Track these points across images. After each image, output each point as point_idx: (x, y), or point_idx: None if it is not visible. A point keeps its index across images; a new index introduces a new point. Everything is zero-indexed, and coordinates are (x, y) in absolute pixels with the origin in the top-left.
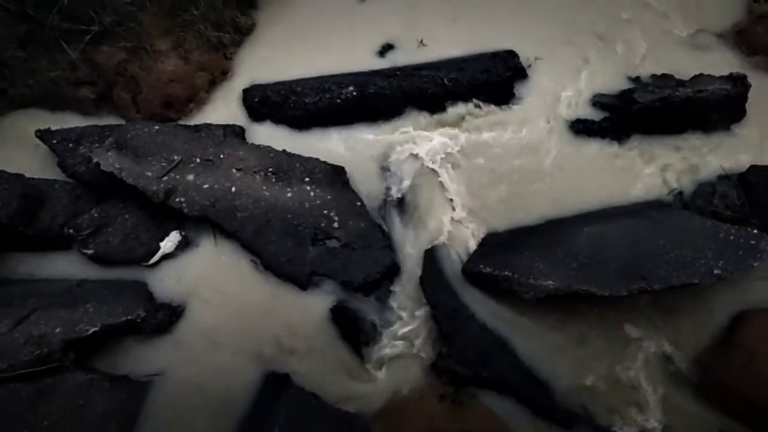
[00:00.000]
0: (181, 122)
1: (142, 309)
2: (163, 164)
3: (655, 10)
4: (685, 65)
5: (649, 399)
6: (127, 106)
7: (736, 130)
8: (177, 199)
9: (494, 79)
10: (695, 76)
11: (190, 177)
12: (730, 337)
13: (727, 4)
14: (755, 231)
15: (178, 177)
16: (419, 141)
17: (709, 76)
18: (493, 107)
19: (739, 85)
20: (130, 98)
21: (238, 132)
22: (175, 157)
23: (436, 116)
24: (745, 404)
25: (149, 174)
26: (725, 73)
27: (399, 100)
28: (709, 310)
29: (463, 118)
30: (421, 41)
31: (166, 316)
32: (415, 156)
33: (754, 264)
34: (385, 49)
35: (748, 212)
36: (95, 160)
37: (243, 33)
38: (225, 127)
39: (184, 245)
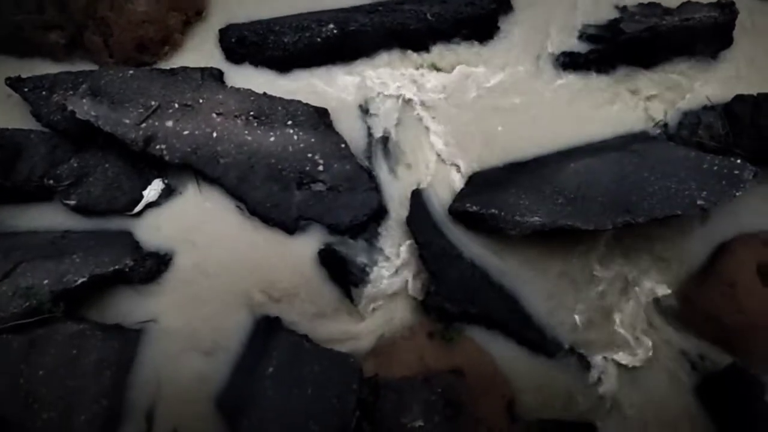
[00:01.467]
0: (157, 66)
1: (129, 258)
2: (141, 111)
3: None
4: None
5: (632, 329)
6: (100, 51)
7: (723, 58)
8: (157, 147)
9: (478, 12)
10: (682, 4)
11: (169, 123)
12: (711, 265)
13: None
14: (738, 161)
15: (156, 123)
16: (402, 80)
17: (696, 2)
18: (477, 43)
19: (726, 12)
20: (102, 42)
21: (216, 75)
22: (153, 103)
23: (420, 53)
24: (726, 331)
25: (127, 121)
26: None
27: (381, 38)
28: (692, 241)
29: (446, 55)
30: None
31: (154, 265)
32: (399, 96)
33: (737, 193)
34: None
35: (732, 142)
36: (70, 108)
37: None
38: (202, 69)
39: (167, 193)
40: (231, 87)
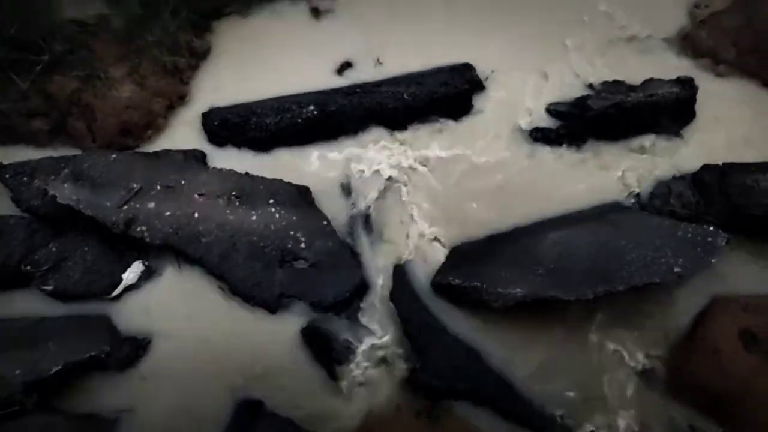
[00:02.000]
0: (140, 149)
1: (106, 344)
2: (123, 193)
3: (605, 18)
4: (635, 71)
5: (620, 399)
6: (83, 136)
7: (687, 131)
8: (138, 228)
9: (453, 92)
10: (645, 81)
11: (151, 205)
12: (694, 332)
13: (671, 11)
14: (711, 228)
15: (138, 206)
16: (382, 157)
17: (658, 80)
18: (452, 120)
19: (687, 88)
20: (86, 127)
21: (198, 157)
22: (135, 186)
23: (398, 132)
24: (714, 399)
25: (108, 204)
26: (674, 76)
27: (360, 117)
28: (673, 308)
29: (424, 133)
30: (378, 59)
31: (132, 350)
32: (379, 172)
33: (712, 260)
34: (344, 67)
35: (703, 210)
36: (51, 192)
37: (199, 57)
38: (185, 152)
39: (147, 275)
40: (213, 168)
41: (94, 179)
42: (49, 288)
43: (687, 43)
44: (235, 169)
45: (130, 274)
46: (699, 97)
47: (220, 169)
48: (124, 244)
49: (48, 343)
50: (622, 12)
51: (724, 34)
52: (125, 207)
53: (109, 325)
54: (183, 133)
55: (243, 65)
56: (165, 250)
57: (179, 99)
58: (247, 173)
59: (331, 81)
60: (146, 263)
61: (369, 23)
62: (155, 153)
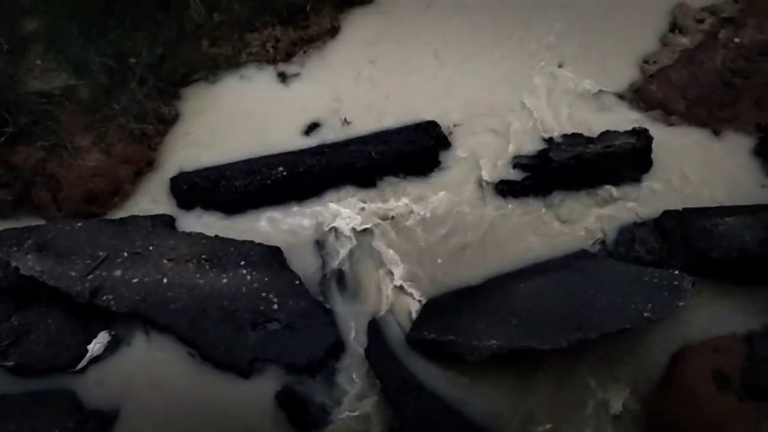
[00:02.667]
0: (107, 217)
1: (70, 420)
2: (88, 262)
3: (561, 76)
4: (592, 124)
5: None
6: (47, 206)
7: (646, 179)
8: (104, 297)
9: (419, 149)
10: (603, 133)
11: (118, 272)
12: (668, 376)
13: (622, 67)
14: (676, 272)
15: (104, 274)
16: (352, 215)
17: (614, 131)
18: (420, 176)
19: (642, 138)
20: (50, 197)
21: (167, 221)
22: (101, 254)
23: (367, 189)
24: None
25: (73, 274)
26: (629, 128)
27: (329, 177)
28: (647, 352)
29: (393, 189)
30: (345, 118)
31: (98, 425)
32: (350, 229)
33: (680, 304)
34: (312, 128)
35: (667, 255)
36: (14, 264)
37: (167, 123)
38: (153, 217)
39: (114, 345)
40: (182, 232)
41: (59, 249)
42: (10, 364)
43: (639, 97)
44: (205, 233)
45: (96, 345)
46: (654, 146)
47: (189, 233)
48: (90, 314)
49: (8, 424)
50: (575, 70)
51: (673, 88)
52: (91, 276)
53: (74, 400)
54: (151, 198)
55: (211, 130)
56: (132, 318)
57: (147, 165)
58: (217, 236)
59: (299, 142)
60: (113, 333)
61: (335, 85)
62: (122, 220)
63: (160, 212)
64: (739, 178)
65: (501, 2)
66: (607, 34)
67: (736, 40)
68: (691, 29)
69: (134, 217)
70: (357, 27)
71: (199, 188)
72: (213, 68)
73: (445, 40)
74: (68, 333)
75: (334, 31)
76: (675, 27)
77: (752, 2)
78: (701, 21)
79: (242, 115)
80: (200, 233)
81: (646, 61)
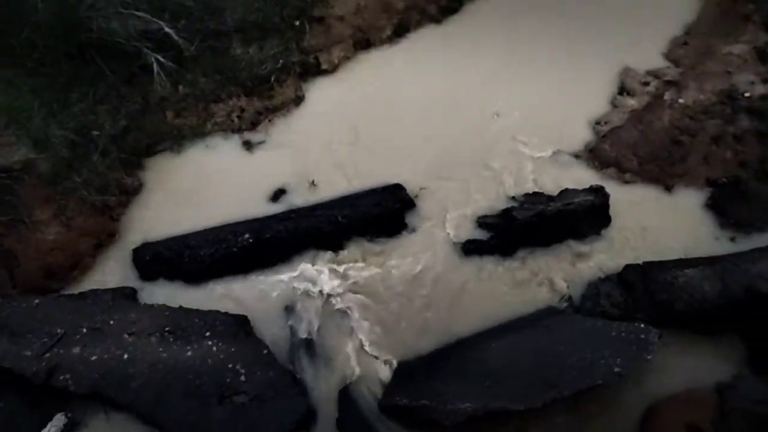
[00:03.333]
0: (66, 292)
1: None
2: (45, 340)
3: (520, 137)
4: (552, 183)
5: None
6: (3, 283)
7: (606, 234)
8: (61, 377)
9: (385, 212)
10: (562, 191)
11: (76, 350)
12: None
13: (576, 128)
14: (642, 325)
15: (62, 352)
16: (320, 280)
17: (573, 189)
18: (388, 239)
19: (599, 195)
20: (6, 274)
21: (128, 294)
22: (58, 331)
23: (335, 254)
24: None
25: (28, 353)
26: (586, 186)
27: (297, 242)
28: (619, 409)
29: (360, 253)
30: (312, 182)
31: None
32: (318, 295)
33: (648, 357)
34: (278, 193)
35: (632, 308)
36: None
37: (130, 194)
38: (114, 290)
39: (70, 428)
40: (144, 304)
41: (13, 328)
42: None
43: (593, 156)
44: (169, 304)
45: (51, 429)
46: (612, 202)
47: (152, 305)
48: (46, 395)
49: None
50: (532, 133)
51: (625, 147)
52: (47, 355)
53: None
54: (113, 271)
55: (176, 199)
56: (91, 398)
57: (108, 237)
58: (181, 307)
59: (266, 208)
60: (69, 415)
61: (301, 151)
62: (82, 294)
63: (122, 285)
64: (693, 231)
65: (458, 75)
66: (559, 99)
67: (681, 100)
68: (637, 91)
69: (94, 291)
70: (320, 95)
71: (163, 259)
72: (178, 138)
73: (405, 107)
74: (21, 417)
75: (298, 100)
76: (623, 90)
77: (692, 66)
78: (647, 84)
79: (208, 183)
80: (163, 305)
81: (597, 123)
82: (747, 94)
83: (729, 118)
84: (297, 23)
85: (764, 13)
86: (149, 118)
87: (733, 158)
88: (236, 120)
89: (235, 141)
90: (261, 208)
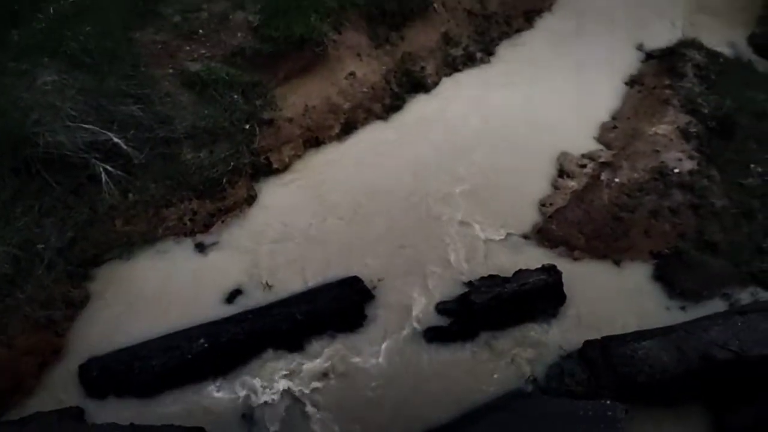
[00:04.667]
0: (6, 418)
1: None
2: None
3: (472, 223)
4: (506, 265)
5: None
6: None
7: (563, 311)
8: None
9: (344, 305)
10: (516, 272)
11: None
12: None
13: (524, 211)
14: (608, 402)
15: None
16: (281, 381)
17: (527, 270)
18: (348, 332)
19: (552, 274)
20: None
21: (75, 414)
22: None
23: (295, 352)
24: None
25: None
26: (539, 265)
27: (254, 344)
28: None
29: (321, 349)
30: (267, 282)
31: None
32: (279, 397)
33: None
34: (233, 295)
35: (595, 384)
36: None
37: (77, 307)
38: (60, 412)
39: None
40: (93, 425)
41: None
42: None
43: (542, 236)
44: (119, 422)
45: None
46: (565, 280)
47: (101, 425)
48: None
49: None
50: (484, 219)
51: (570, 226)
52: None
53: None
54: (58, 390)
55: (126, 308)
56: None
57: (53, 354)
58: (132, 424)
59: (221, 311)
60: None
61: (255, 251)
62: (23, 419)
63: (68, 405)
64: (644, 303)
65: (405, 167)
66: (506, 183)
67: (617, 180)
68: (576, 173)
69: (38, 414)
70: (273, 194)
71: (112, 373)
72: (127, 246)
73: (355, 204)
74: None
75: (251, 200)
76: (562, 173)
77: (623, 148)
78: (584, 166)
79: (160, 289)
80: (113, 423)
81: (543, 204)
82: (676, 170)
83: (663, 193)
84: (247, 126)
85: (682, 96)
86: (97, 227)
87: (672, 230)
88: (188, 223)
89: (187, 244)
90: (216, 310)
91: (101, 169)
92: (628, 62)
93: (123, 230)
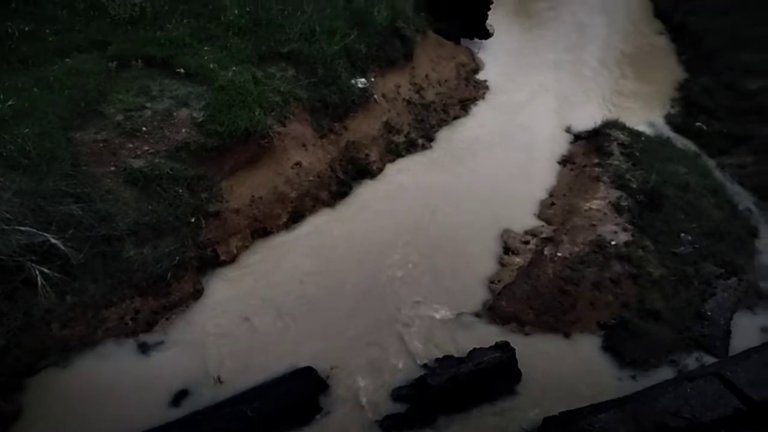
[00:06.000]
0: None
1: None
2: None
3: (424, 305)
4: (459, 345)
5: None
6: None
7: (520, 388)
8: None
9: (297, 398)
10: (470, 352)
11: None
12: None
13: (474, 290)
14: None
15: None
16: None
17: (481, 348)
18: (303, 426)
19: (506, 351)
20: None
21: None
22: None
23: None
24: None
25: None
26: (492, 343)
27: None
28: None
29: None
30: (218, 378)
31: None
32: None
33: None
34: (180, 396)
35: None
36: None
37: (7, 421)
38: None
39: None
40: None
41: None
42: None
43: (493, 313)
44: None
45: None
46: (519, 356)
47: None
48: None
49: None
50: (434, 299)
51: (519, 301)
52: None
53: None
54: None
55: (62, 421)
56: None
57: None
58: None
59: (167, 414)
60: None
61: (202, 347)
62: None
63: None
64: (597, 374)
65: (355, 252)
66: (453, 265)
67: (559, 254)
68: (521, 250)
69: None
70: (220, 287)
71: None
72: (64, 351)
73: (305, 291)
74: None
75: (197, 294)
76: (508, 249)
77: (562, 223)
78: (527, 242)
79: (100, 397)
80: None
81: (492, 282)
82: (613, 242)
83: (603, 264)
84: (192, 220)
85: (611, 173)
86: (32, 333)
87: (615, 301)
88: (130, 323)
89: (129, 346)
90: (162, 414)
91: (37, 272)
92: (559, 143)
93: (60, 335)
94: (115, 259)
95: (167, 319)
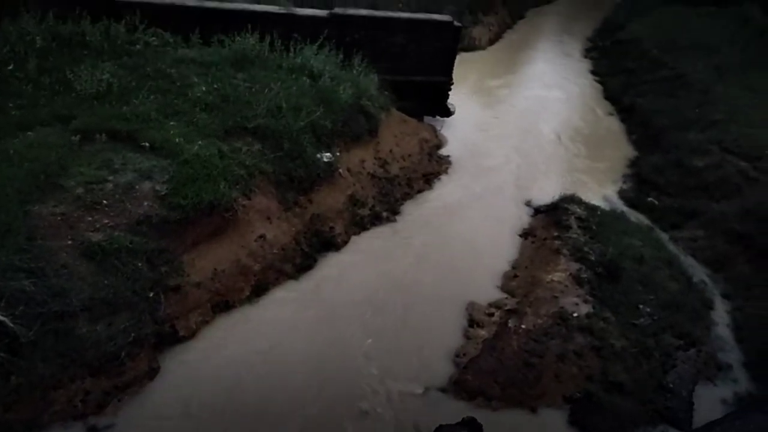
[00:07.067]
0: None
1: None
2: None
3: (389, 380)
4: (426, 421)
5: None
6: None
7: None
8: None
9: None
10: (437, 428)
11: None
12: None
13: (440, 363)
14: None
15: None
16: None
17: (448, 425)
18: None
19: (473, 427)
20: None
21: None
22: None
23: None
24: None
25: None
26: (458, 419)
27: None
28: None
29: None
30: None
31: None
32: None
33: None
34: None
35: None
36: None
37: None
38: None
39: None
40: None
41: None
42: None
43: (459, 388)
44: None
45: None
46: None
47: None
48: None
49: None
50: (398, 375)
51: (485, 375)
52: None
53: None
54: None
55: None
56: None
57: None
58: None
59: None
60: None
61: (155, 430)
62: None
63: None
64: None
65: (325, 332)
66: (420, 339)
67: (523, 326)
68: (485, 322)
69: None
70: (178, 364)
71: None
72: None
73: (266, 369)
74: None
75: (152, 373)
76: (473, 322)
77: (525, 295)
78: (491, 315)
79: None
80: None
81: (457, 355)
82: (575, 314)
83: (566, 336)
84: (151, 294)
85: (570, 246)
86: None
87: (579, 373)
88: (79, 405)
89: (78, 429)
90: None
91: None
92: (520, 217)
93: (3, 419)
94: (67, 337)
95: (119, 400)
